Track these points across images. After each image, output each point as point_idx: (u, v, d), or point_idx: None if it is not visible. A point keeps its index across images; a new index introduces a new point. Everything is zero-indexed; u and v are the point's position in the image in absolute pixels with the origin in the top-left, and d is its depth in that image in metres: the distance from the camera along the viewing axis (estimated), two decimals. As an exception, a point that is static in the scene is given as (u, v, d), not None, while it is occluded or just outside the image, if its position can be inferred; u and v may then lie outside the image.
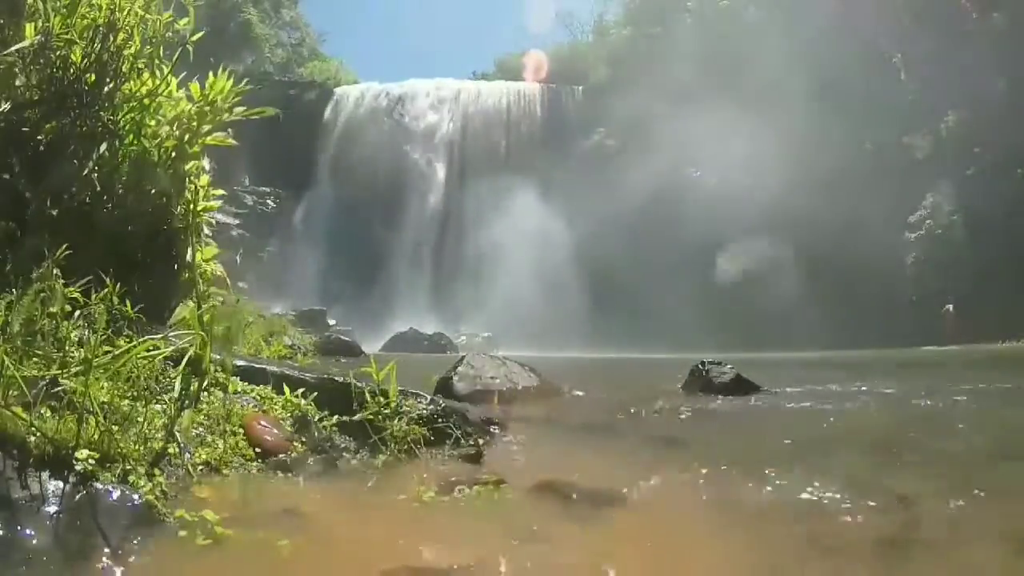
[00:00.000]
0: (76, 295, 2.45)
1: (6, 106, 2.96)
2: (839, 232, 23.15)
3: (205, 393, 2.50)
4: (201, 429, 2.35)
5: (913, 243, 24.72)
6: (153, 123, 3.53)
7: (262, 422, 2.56)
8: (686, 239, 24.25)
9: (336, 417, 2.80)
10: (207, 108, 3.53)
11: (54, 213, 2.93)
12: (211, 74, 3.64)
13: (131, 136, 3.44)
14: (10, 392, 1.85)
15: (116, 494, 1.81)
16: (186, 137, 3.53)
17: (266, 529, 1.88)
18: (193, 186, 3.65)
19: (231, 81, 3.62)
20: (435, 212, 30.09)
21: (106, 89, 3.27)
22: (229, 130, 3.72)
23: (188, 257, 3.61)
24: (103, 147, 3.29)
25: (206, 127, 3.58)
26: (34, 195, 2.91)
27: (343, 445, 2.75)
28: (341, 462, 2.63)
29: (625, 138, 27.98)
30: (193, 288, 3.46)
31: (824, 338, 19.99)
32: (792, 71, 23.92)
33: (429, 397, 3.22)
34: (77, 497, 1.74)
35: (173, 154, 3.52)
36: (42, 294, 2.29)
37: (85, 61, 3.20)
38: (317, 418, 2.79)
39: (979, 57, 23.50)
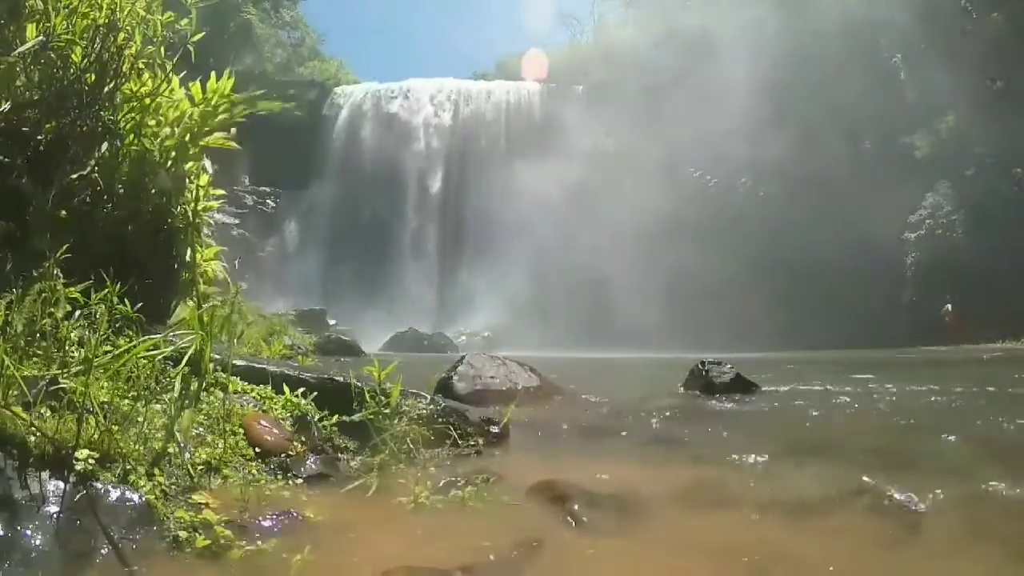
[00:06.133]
0: (76, 295, 2.45)
1: (6, 106, 2.96)
2: (839, 232, 23.17)
3: (205, 393, 2.50)
4: (201, 429, 2.35)
5: (913, 243, 24.74)
6: (154, 123, 3.53)
7: (262, 422, 2.56)
8: (687, 239, 24.26)
9: (336, 417, 2.80)
10: (208, 110, 3.53)
11: (55, 213, 2.92)
12: (213, 74, 3.64)
13: (131, 136, 3.44)
14: (10, 392, 1.85)
15: (116, 494, 1.81)
16: (187, 137, 3.53)
17: (266, 530, 1.88)
18: (193, 186, 3.65)
19: (232, 80, 3.62)
20: (435, 212, 30.11)
21: (106, 89, 3.27)
22: (232, 130, 3.72)
23: (188, 257, 3.61)
24: (103, 147, 3.29)
25: (207, 128, 3.58)
26: (34, 195, 2.91)
27: (343, 445, 2.76)
28: (341, 462, 2.63)
29: (624, 137, 27.99)
30: (193, 288, 3.46)
31: (824, 338, 20.01)
32: (793, 70, 23.93)
33: (429, 397, 3.22)
34: (77, 497, 1.74)
35: (173, 154, 3.52)
36: (43, 294, 2.29)
37: (85, 61, 3.20)
38: (317, 418, 2.79)
39: (979, 57, 23.51)
